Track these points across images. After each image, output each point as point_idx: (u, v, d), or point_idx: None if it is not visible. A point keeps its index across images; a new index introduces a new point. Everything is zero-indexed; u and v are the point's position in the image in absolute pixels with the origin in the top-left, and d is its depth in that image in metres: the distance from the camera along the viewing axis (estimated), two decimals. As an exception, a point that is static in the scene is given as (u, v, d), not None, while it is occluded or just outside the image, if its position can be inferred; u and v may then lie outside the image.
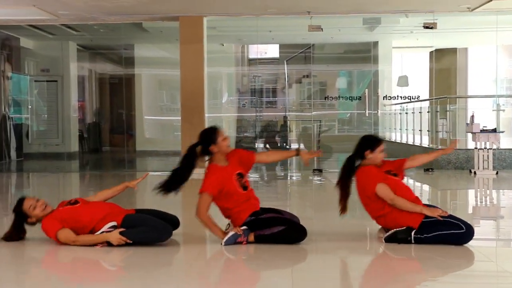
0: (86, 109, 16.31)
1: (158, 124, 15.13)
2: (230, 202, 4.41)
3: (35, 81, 14.06)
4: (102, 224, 4.35)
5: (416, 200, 4.42)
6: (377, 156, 4.42)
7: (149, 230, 4.34)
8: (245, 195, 4.44)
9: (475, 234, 4.27)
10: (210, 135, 4.44)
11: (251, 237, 4.41)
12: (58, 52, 13.90)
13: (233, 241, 4.35)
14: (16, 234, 4.58)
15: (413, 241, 4.29)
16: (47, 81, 13.97)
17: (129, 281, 3.61)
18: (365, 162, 4.46)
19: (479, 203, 6.96)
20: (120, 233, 4.30)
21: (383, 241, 4.37)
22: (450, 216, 4.31)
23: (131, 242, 4.29)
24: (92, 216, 4.38)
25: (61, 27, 12.22)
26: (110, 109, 16.42)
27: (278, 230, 4.38)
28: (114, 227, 4.34)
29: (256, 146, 13.78)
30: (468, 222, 4.30)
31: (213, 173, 4.40)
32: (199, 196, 4.34)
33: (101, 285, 3.52)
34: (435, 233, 4.26)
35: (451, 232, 4.24)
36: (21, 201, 4.56)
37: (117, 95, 14.64)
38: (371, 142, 4.46)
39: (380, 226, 4.65)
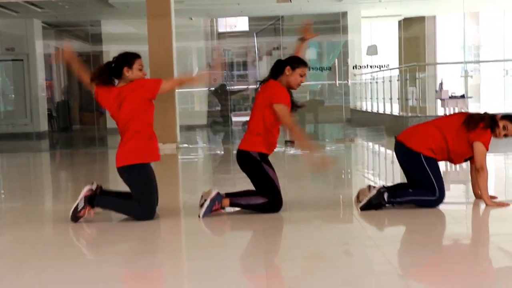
0: (54, 87, 16.04)
1: (129, 101, 14.93)
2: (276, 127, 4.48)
3: (0, 60, 13.75)
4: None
5: None
6: (501, 132, 4.49)
7: (135, 209, 4.27)
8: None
9: (446, 198, 4.45)
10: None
11: (226, 202, 4.43)
12: (23, 30, 13.60)
13: (209, 212, 4.37)
14: (105, 74, 4.43)
15: (387, 204, 4.42)
16: (12, 60, 13.68)
17: (102, 257, 3.59)
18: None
19: (449, 169, 7.07)
20: (107, 203, 4.33)
21: (359, 209, 4.42)
22: (437, 175, 4.41)
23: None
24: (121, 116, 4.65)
25: (25, 5, 11.92)
26: (79, 87, 16.17)
27: (255, 203, 4.41)
28: (91, 190, 4.30)
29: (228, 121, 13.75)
30: (444, 187, 4.43)
31: (283, 88, 4.46)
32: (278, 109, 4.33)
33: (74, 262, 3.49)
34: (408, 198, 4.45)
35: (423, 199, 4.43)
36: (138, 56, 4.39)
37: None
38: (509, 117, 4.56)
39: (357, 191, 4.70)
